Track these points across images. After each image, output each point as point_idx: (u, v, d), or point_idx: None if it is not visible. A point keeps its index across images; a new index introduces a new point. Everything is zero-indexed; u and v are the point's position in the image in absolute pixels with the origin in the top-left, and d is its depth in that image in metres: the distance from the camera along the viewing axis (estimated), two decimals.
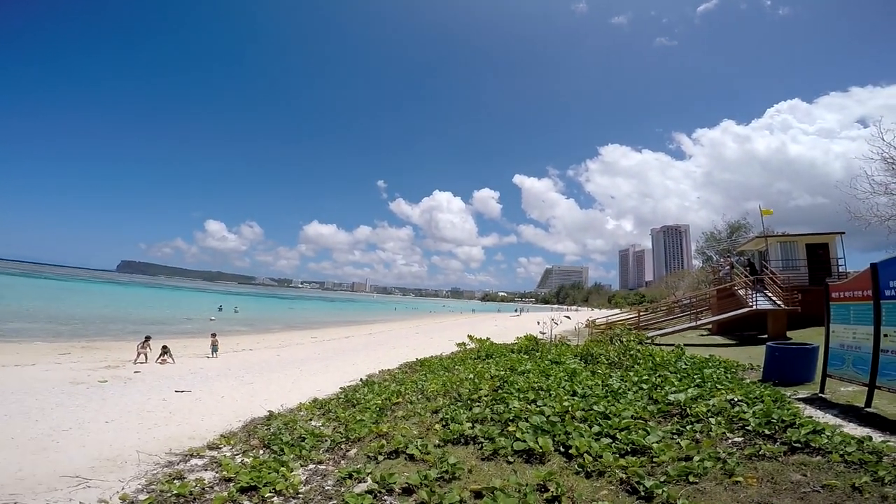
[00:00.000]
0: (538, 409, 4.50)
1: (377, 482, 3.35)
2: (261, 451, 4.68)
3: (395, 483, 3.33)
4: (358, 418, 5.25)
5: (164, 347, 15.94)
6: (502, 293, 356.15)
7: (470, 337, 12.75)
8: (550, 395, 5.04)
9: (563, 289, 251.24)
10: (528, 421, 4.12)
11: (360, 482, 3.53)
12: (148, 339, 16.16)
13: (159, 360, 15.33)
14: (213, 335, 18.26)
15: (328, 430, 4.99)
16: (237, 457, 4.64)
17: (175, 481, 4.04)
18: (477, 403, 5.07)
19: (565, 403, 4.56)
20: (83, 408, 8.58)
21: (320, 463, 4.12)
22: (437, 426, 4.59)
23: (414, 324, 46.57)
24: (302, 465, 4.05)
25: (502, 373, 6.49)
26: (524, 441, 3.77)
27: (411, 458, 3.82)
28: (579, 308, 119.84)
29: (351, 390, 7.58)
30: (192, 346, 19.34)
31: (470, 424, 4.35)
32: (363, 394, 6.92)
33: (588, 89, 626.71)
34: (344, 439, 4.64)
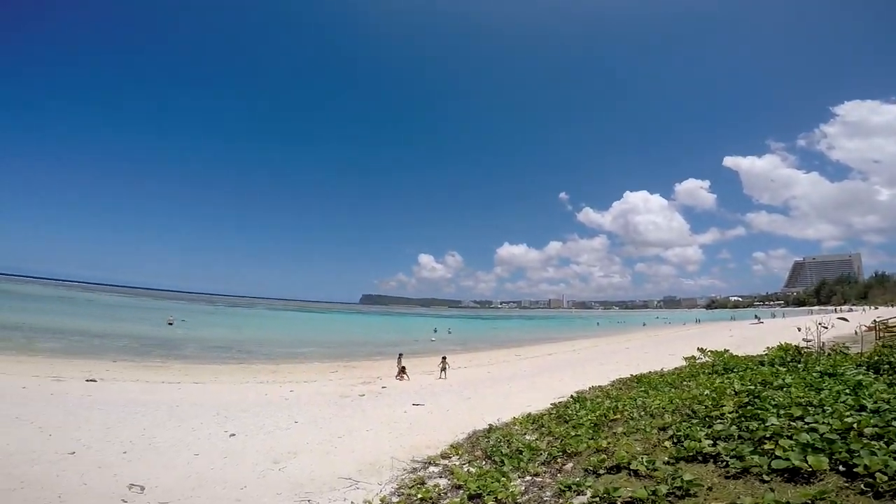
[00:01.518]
0: (807, 425, 3.53)
1: (598, 496, 3.14)
2: (483, 462, 4.95)
3: (618, 496, 3.06)
4: (572, 434, 5.07)
5: (401, 365, 18.82)
6: (734, 297, 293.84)
7: (700, 349, 10.97)
8: (824, 410, 3.90)
9: (826, 285, 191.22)
10: (791, 438, 3.26)
11: (579, 494, 3.38)
12: (401, 355, 19.59)
13: (398, 377, 18.10)
14: (444, 358, 20.15)
15: (542, 444, 4.97)
16: (464, 466, 5.01)
17: (419, 486, 4.51)
18: (719, 420, 4.29)
19: (847, 419, 3.45)
20: (350, 417, 10.42)
21: (536, 475, 4.11)
22: (666, 443, 4.06)
23: (623, 338, 43.18)
24: (520, 477, 4.12)
25: (750, 387, 5.34)
26: (786, 459, 3.00)
27: (635, 473, 3.46)
28: (854, 307, 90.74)
29: (562, 406, 7.40)
30: (421, 365, 22.09)
31: (710, 441, 3.69)
32: (574, 410, 6.66)
33: (795, 45, 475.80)
34: (560, 453, 4.54)
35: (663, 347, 27.04)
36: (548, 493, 3.57)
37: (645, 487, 3.05)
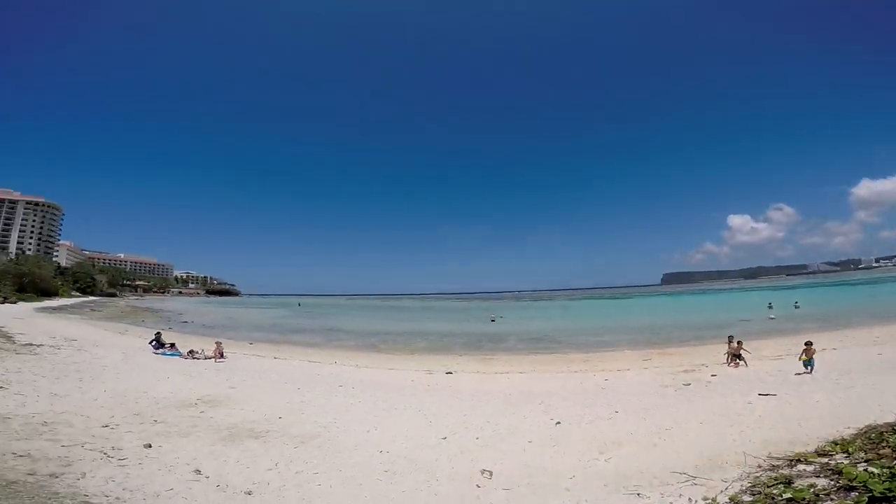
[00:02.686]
0: None
1: None
2: (894, 462, 3.49)
3: None
4: None
5: (737, 344, 15.83)
6: None
7: None
8: None
9: None
10: None
11: None
12: (731, 338, 16.59)
13: (730, 364, 15.35)
14: (809, 343, 13.44)
15: None
16: (858, 465, 3.68)
17: (784, 485, 3.69)
18: None
19: None
20: (676, 408, 9.51)
21: None
22: None
23: None
24: None
25: None
26: None
27: None
28: None
29: None
30: (759, 348, 18.12)
31: None
32: None
33: None
34: None
35: None
36: None
37: None
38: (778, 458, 4.80)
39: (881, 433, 4.61)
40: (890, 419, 5.34)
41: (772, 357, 16.11)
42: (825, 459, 4.21)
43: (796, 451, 4.83)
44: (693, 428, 7.77)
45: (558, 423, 8.80)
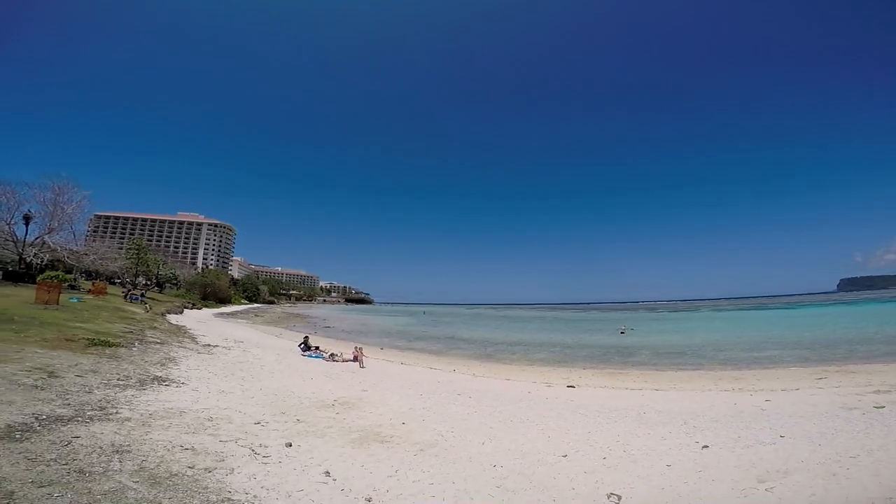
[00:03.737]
0: None
1: None
2: None
3: None
4: None
5: None
6: None
7: None
8: None
9: None
10: None
11: None
12: None
13: None
14: None
15: None
16: None
17: None
18: None
19: None
20: (865, 434, 8.05)
21: None
22: None
23: None
24: None
25: None
26: None
27: None
28: None
29: None
30: None
31: None
32: None
33: None
34: None
35: None
36: None
37: None
38: None
39: None
40: None
41: None
42: None
43: None
44: (889, 456, 6.62)
45: (706, 446, 7.77)
